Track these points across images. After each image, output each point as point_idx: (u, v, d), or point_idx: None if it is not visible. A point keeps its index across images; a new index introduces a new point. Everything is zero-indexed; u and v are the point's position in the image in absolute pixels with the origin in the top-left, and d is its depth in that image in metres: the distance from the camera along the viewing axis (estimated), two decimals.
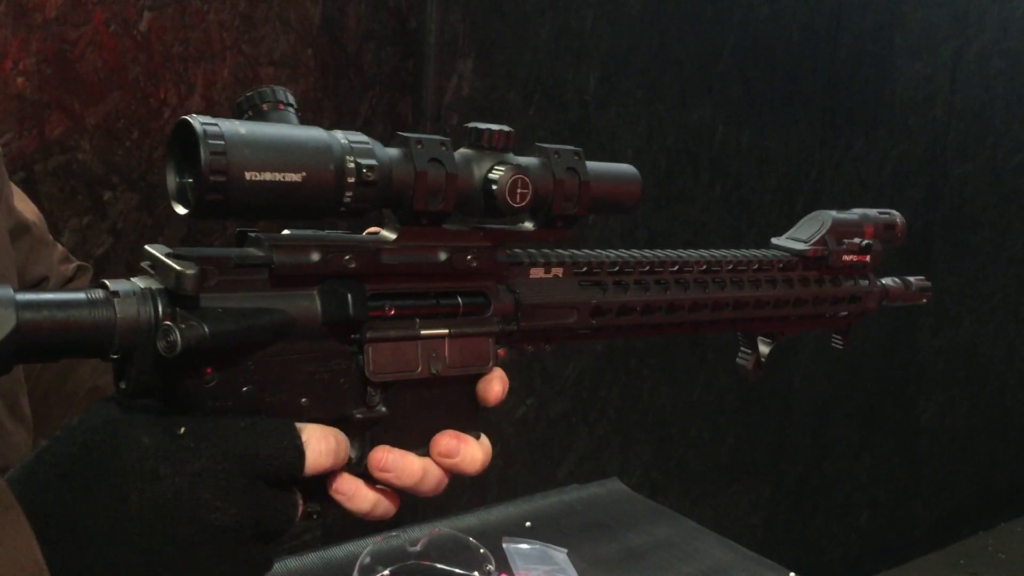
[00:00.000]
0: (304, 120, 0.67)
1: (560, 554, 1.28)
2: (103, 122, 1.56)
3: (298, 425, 0.65)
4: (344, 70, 1.83)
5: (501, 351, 0.77)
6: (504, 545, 1.28)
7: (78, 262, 1.11)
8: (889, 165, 3.15)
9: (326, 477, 0.68)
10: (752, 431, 2.96)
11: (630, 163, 0.80)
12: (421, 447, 0.73)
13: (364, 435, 0.71)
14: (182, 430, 0.60)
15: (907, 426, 3.58)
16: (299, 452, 0.63)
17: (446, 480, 0.74)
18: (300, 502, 0.66)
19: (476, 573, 1.17)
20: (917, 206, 3.30)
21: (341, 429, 0.69)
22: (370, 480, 0.70)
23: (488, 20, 2.04)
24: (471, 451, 0.74)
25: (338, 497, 0.68)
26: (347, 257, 0.67)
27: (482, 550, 1.19)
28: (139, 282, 0.61)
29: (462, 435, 0.74)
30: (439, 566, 1.18)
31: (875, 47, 2.97)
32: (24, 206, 1.02)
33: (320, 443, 0.65)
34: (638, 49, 2.33)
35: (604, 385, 2.50)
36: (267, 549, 0.64)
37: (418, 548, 1.19)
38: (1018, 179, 3.67)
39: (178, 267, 0.59)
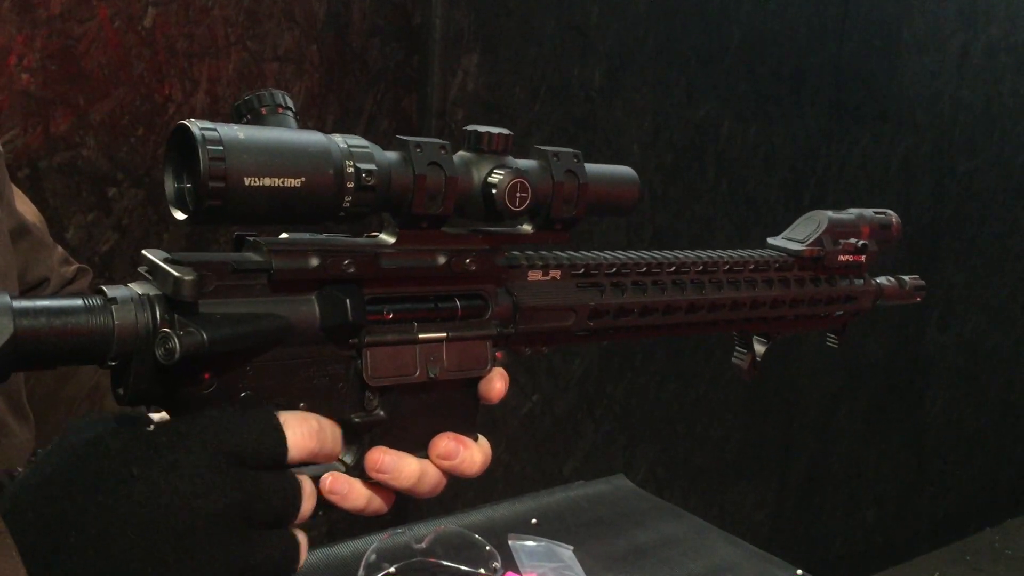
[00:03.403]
0: (309, 117, 0.66)
1: (566, 551, 1.28)
2: (108, 118, 1.56)
3: (277, 412, 0.64)
4: (349, 66, 1.83)
5: (499, 353, 0.76)
6: (510, 542, 1.28)
7: (78, 264, 1.10)
8: (896, 160, 3.13)
9: (318, 480, 0.67)
10: (758, 427, 2.96)
11: (636, 159, 0.79)
12: (420, 449, 0.73)
13: (363, 439, 0.71)
14: (151, 427, 0.60)
15: (913, 422, 3.57)
16: (278, 433, 0.63)
17: (444, 482, 0.74)
18: (306, 483, 0.65)
19: (482, 570, 1.16)
20: (924, 201, 3.28)
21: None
22: (368, 481, 0.70)
23: (493, 15, 2.04)
24: (470, 453, 0.74)
25: (332, 498, 0.68)
26: (346, 262, 0.67)
27: (488, 547, 1.19)
28: (137, 288, 0.60)
29: (461, 437, 0.74)
30: (445, 563, 1.17)
31: (882, 42, 2.96)
32: (25, 208, 1.02)
33: (300, 425, 0.64)
34: (644, 44, 2.33)
35: (610, 381, 2.49)
36: (280, 536, 0.63)
37: (424, 545, 1.19)
38: None
39: (176, 273, 0.58)
